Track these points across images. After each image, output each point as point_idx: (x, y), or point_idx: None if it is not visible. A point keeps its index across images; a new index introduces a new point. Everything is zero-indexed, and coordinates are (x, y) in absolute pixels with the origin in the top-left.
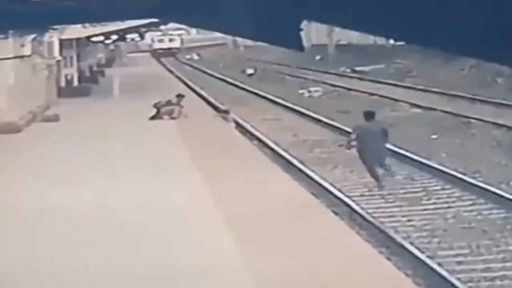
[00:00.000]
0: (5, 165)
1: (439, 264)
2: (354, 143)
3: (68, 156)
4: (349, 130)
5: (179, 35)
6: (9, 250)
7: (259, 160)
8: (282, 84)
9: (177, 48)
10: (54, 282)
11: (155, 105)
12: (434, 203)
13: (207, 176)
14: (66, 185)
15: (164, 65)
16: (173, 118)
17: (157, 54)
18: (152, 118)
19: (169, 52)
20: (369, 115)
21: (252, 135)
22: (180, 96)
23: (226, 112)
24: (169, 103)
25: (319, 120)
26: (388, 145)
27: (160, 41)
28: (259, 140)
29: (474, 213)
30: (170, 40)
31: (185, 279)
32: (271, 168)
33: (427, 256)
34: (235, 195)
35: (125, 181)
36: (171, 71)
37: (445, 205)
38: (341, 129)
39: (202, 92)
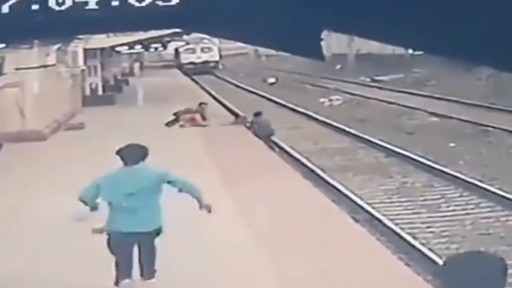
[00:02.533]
0: (31, 172)
1: None
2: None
3: (94, 164)
4: (367, 137)
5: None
6: (34, 257)
7: (280, 168)
8: (303, 93)
9: (216, 62)
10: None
11: (174, 114)
12: (453, 210)
13: (227, 181)
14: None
15: (187, 74)
16: (195, 125)
17: (186, 70)
18: (167, 124)
19: (204, 68)
20: (258, 114)
21: (274, 142)
22: (202, 104)
23: (244, 118)
24: (188, 110)
25: (339, 128)
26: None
27: (190, 52)
28: (280, 147)
29: (492, 220)
30: (204, 50)
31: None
32: (292, 175)
33: None
34: (255, 202)
35: None
36: (193, 80)
37: (463, 212)
38: (361, 137)
39: (224, 101)
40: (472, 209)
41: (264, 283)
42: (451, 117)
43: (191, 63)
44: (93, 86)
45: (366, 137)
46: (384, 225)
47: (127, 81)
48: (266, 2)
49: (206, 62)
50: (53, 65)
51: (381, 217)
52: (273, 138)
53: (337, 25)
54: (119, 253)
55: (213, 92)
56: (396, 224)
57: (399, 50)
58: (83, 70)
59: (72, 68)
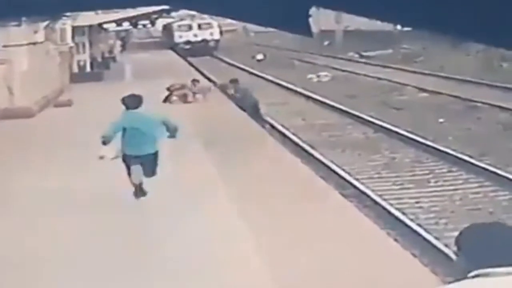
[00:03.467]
0: (19, 149)
1: (446, 245)
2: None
3: (81, 139)
4: (356, 113)
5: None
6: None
7: (268, 144)
8: (291, 69)
9: (216, 41)
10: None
11: (168, 89)
12: (442, 186)
13: (216, 158)
14: (79, 168)
15: (175, 51)
16: (187, 102)
17: (183, 51)
18: (164, 101)
19: (202, 48)
20: (234, 81)
21: (265, 120)
22: (195, 81)
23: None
24: (183, 87)
25: (328, 104)
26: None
27: (185, 29)
28: (268, 123)
29: (481, 195)
30: (202, 27)
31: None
32: (280, 151)
33: (434, 237)
34: (242, 177)
35: None
36: (181, 56)
37: (452, 187)
38: (349, 113)
39: (213, 78)
40: (461, 184)
41: (248, 256)
42: (440, 93)
43: (187, 42)
44: (81, 63)
45: (355, 113)
46: (373, 200)
47: (114, 58)
48: None
49: (205, 41)
50: (42, 42)
51: (370, 193)
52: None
53: (325, 1)
54: (131, 167)
55: (203, 70)
56: (385, 200)
57: (388, 27)
58: (71, 47)
59: (60, 45)
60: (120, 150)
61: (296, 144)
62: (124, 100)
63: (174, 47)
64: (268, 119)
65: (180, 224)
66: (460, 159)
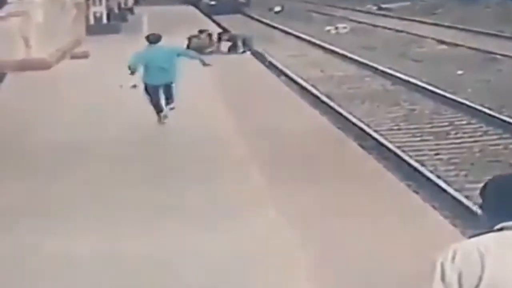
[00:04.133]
0: (37, 100)
1: (466, 196)
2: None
3: (98, 88)
4: (375, 65)
5: None
6: None
7: (287, 96)
8: (309, 22)
9: None
10: None
11: (188, 38)
12: (461, 137)
13: (230, 109)
14: (96, 116)
15: (197, 7)
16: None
17: (207, 8)
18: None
19: (232, 4)
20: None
21: (280, 71)
22: (204, 32)
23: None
24: (200, 36)
25: (346, 56)
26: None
27: None
28: (287, 76)
29: (501, 147)
30: None
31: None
32: (299, 104)
33: (455, 189)
34: (260, 129)
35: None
36: (197, 8)
37: (472, 139)
38: (368, 65)
39: (231, 29)
40: (480, 136)
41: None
42: (459, 45)
43: None
44: (98, 15)
45: (373, 64)
46: (392, 152)
47: (132, 10)
48: None
49: None
50: None
51: (389, 144)
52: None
53: None
54: (153, 96)
55: (223, 23)
56: (404, 151)
57: None
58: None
59: None
60: (140, 80)
61: (315, 96)
62: (148, 37)
63: (196, 3)
64: (286, 70)
65: None
66: (480, 111)
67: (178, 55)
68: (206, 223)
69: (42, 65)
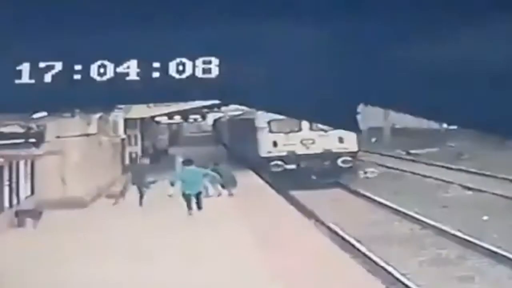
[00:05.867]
0: (74, 239)
1: None
2: None
3: (133, 227)
4: (403, 210)
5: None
6: None
7: (319, 239)
8: None
9: (351, 158)
10: None
11: None
12: (486, 283)
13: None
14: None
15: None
16: None
17: (274, 177)
18: None
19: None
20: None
21: (311, 215)
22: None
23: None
24: None
25: (375, 201)
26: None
27: (286, 127)
28: (317, 219)
29: None
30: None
31: None
32: (330, 247)
33: None
34: (291, 271)
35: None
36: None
37: (497, 285)
38: (396, 209)
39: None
40: (507, 280)
41: None
42: (484, 191)
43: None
44: (133, 155)
45: (402, 209)
46: None
47: (166, 151)
48: (304, 76)
49: (330, 155)
50: (94, 134)
51: None
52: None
53: (373, 99)
54: (187, 201)
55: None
56: None
57: (434, 125)
58: (123, 139)
59: (113, 137)
60: (179, 191)
61: (344, 239)
62: (183, 162)
63: (257, 166)
64: (316, 212)
65: None
66: (505, 256)
67: (204, 175)
68: None
69: (78, 204)
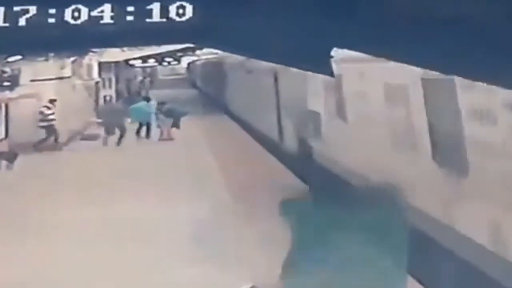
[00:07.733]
0: (50, 184)
1: None
2: None
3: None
4: None
5: None
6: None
7: None
8: None
9: None
10: None
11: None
12: None
13: None
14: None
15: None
16: None
17: None
18: None
19: None
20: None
21: None
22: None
23: None
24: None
25: None
26: None
27: None
28: None
29: None
30: None
31: None
32: None
33: None
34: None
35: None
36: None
37: None
38: None
39: None
40: None
41: None
42: None
43: None
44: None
45: None
46: None
47: (139, 93)
48: (278, 20)
49: None
50: (69, 77)
51: None
52: None
53: (347, 43)
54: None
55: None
56: None
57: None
58: (97, 83)
59: (87, 80)
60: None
61: None
62: (143, 98)
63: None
64: None
65: None
66: None
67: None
68: None
69: (52, 147)
